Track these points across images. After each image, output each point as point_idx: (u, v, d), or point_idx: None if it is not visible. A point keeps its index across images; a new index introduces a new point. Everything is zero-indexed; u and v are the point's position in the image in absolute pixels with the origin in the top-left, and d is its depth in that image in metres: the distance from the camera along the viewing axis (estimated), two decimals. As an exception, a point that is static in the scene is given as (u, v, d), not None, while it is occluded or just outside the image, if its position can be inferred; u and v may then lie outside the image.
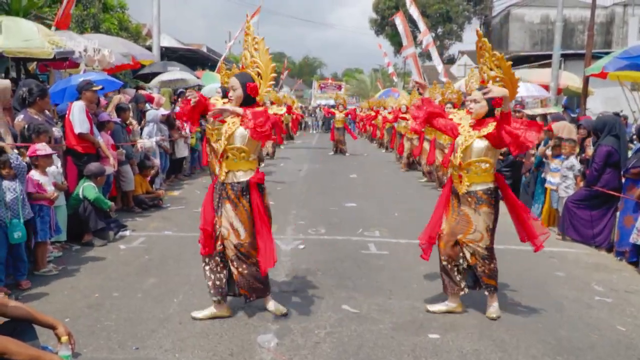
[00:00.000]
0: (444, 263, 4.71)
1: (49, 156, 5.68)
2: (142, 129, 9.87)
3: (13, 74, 10.08)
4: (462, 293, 4.70)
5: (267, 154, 16.04)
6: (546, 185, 8.35)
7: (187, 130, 11.60)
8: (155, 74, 15.39)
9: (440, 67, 22.47)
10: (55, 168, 6.05)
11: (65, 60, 9.79)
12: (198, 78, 16.17)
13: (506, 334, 4.33)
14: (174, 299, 4.84)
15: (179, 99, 12.81)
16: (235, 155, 4.32)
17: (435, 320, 4.55)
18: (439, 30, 42.51)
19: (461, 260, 4.67)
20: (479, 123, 4.58)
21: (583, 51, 18.11)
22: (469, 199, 4.55)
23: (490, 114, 4.56)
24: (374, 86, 49.76)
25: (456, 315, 4.66)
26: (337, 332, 4.27)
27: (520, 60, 22.89)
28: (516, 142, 4.30)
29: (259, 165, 11.33)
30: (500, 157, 10.70)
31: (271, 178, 12.73)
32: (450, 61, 41.76)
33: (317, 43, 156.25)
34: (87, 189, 6.68)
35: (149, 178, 9.26)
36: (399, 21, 23.36)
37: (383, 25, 43.92)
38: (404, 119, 14.55)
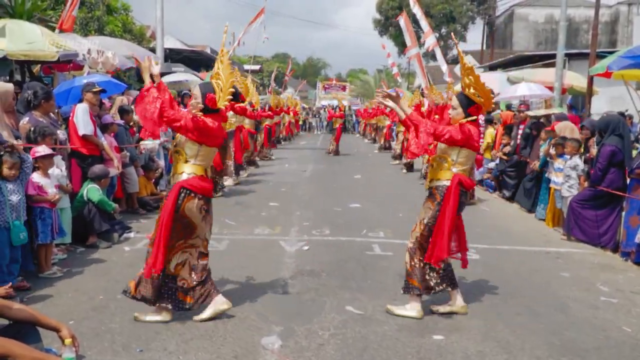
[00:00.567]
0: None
1: (49, 157, 5.68)
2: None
3: (17, 77, 10.11)
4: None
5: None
6: (550, 185, 8.33)
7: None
8: (160, 76, 15.39)
9: (444, 67, 22.36)
10: (60, 171, 6.05)
11: (69, 63, 9.82)
12: (202, 79, 16.20)
13: (511, 335, 4.31)
14: (178, 301, 4.83)
15: (183, 100, 12.85)
16: (176, 158, 4.42)
17: (440, 322, 4.54)
18: (443, 30, 42.42)
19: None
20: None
21: (587, 50, 18.08)
22: (428, 193, 4.70)
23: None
24: (378, 86, 49.73)
25: (460, 316, 4.65)
26: (341, 334, 4.26)
27: (524, 60, 22.82)
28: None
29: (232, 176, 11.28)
30: (505, 158, 10.70)
31: (274, 179, 12.73)
32: (455, 61, 41.65)
33: (321, 44, 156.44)
34: (91, 191, 6.69)
35: (153, 180, 9.28)
36: (402, 21, 23.31)
37: (387, 25, 43.86)
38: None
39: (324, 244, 6.93)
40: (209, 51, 27.33)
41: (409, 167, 15.02)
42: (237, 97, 4.63)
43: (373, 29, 45.82)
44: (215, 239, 6.27)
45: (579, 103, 16.82)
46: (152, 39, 20.41)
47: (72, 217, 6.44)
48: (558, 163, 8.08)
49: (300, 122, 36.46)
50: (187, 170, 4.34)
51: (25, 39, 8.60)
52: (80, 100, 7.25)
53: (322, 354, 3.93)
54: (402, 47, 37.49)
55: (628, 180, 6.88)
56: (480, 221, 8.28)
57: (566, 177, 7.85)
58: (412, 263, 4.68)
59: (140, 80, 16.33)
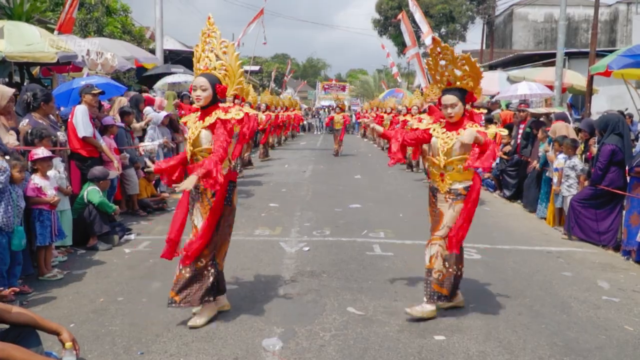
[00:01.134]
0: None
1: (47, 160, 5.67)
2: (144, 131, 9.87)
3: (16, 79, 10.11)
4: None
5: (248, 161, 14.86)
6: (552, 184, 8.32)
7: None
8: (159, 77, 15.40)
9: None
10: (58, 173, 6.04)
11: (68, 64, 9.81)
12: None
13: (513, 335, 4.30)
14: (178, 303, 4.82)
15: (182, 102, 12.84)
16: (204, 156, 4.38)
17: (441, 322, 4.52)
18: (442, 30, 42.44)
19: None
20: (455, 124, 4.61)
21: (587, 49, 18.06)
22: (448, 197, 4.59)
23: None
24: (378, 87, 49.73)
25: (462, 316, 4.63)
26: (342, 335, 4.25)
27: (524, 59, 22.82)
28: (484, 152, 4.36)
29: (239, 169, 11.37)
30: (505, 157, 10.68)
31: (274, 179, 12.72)
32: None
33: (321, 44, 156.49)
34: (92, 193, 6.68)
35: (153, 181, 9.27)
36: (402, 21, 23.31)
37: (386, 25, 43.88)
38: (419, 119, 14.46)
39: (325, 245, 6.91)
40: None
41: (410, 167, 15.01)
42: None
43: (372, 29, 45.86)
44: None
45: (579, 102, 16.82)
46: (151, 40, 20.41)
47: (72, 219, 6.43)
48: (555, 163, 8.07)
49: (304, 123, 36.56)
50: (225, 165, 4.36)
51: (24, 40, 8.60)
52: (80, 102, 7.24)
53: (323, 355, 3.92)
54: (401, 47, 37.50)
55: (628, 179, 6.87)
56: (480, 221, 8.25)
57: (565, 177, 7.85)
58: (450, 271, 4.56)
59: (140, 82, 16.34)
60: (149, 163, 4.31)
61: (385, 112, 21.96)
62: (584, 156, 7.99)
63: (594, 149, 7.53)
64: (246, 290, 5.19)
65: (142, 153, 9.14)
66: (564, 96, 16.49)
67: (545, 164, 8.70)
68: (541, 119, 10.08)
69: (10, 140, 5.67)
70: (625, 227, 6.74)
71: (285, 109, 23.70)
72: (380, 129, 5.12)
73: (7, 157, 4.86)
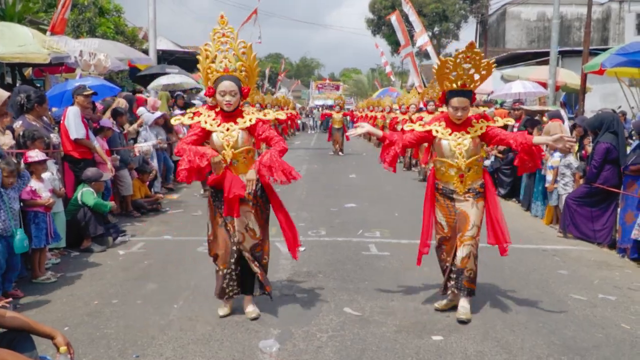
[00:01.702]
0: (447, 264, 4.71)
1: (42, 162, 5.63)
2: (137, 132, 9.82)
3: (8, 80, 10.04)
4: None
5: None
6: (547, 183, 8.33)
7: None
8: (153, 77, 15.32)
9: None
10: (51, 175, 5.99)
11: (61, 65, 9.75)
12: (196, 81, 16.12)
13: (510, 334, 4.29)
14: (174, 305, 4.79)
15: (176, 102, 12.80)
16: (245, 157, 4.43)
17: (439, 322, 4.51)
18: (436, 29, 42.49)
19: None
20: (461, 125, 4.61)
21: (580, 48, 18.12)
22: (468, 196, 4.58)
23: None
24: (371, 86, 49.75)
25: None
26: (339, 336, 4.22)
27: (517, 58, 22.87)
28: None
29: None
30: (500, 156, 10.69)
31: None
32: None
33: (315, 44, 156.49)
34: (86, 195, 6.63)
35: (147, 182, 9.21)
36: (395, 21, 23.33)
37: (380, 24, 43.85)
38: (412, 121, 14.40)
39: (320, 245, 6.89)
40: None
41: (409, 166, 14.96)
42: None
43: (366, 28, 45.83)
44: (210, 241, 6.21)
45: (572, 100, 16.88)
46: (144, 41, 20.31)
47: (66, 220, 6.38)
48: (550, 161, 8.07)
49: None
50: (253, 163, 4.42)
51: (17, 41, 8.54)
52: (73, 103, 7.18)
53: (320, 356, 3.90)
54: (395, 46, 37.54)
55: (623, 177, 6.87)
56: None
57: (561, 175, 7.86)
58: (475, 268, 4.62)
59: (135, 80, 16.23)
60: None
61: (382, 112, 21.96)
62: (579, 154, 7.99)
63: (589, 149, 7.54)
64: (242, 291, 5.15)
65: (137, 154, 9.09)
66: (557, 94, 16.53)
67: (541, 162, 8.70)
68: (536, 118, 10.09)
69: (6, 140, 5.63)
70: (620, 225, 6.75)
71: (279, 109, 23.67)
72: (379, 132, 4.99)
73: None
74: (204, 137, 4.44)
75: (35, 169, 5.55)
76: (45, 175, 5.74)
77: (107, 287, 5.28)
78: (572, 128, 8.86)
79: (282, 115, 4.47)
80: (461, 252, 4.54)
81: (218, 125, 4.40)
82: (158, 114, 10.57)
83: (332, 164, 16.59)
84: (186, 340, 4.11)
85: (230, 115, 4.41)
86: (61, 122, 7.03)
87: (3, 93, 5.84)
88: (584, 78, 14.12)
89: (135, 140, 9.59)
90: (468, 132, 4.57)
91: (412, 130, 4.83)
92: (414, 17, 21.73)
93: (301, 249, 6.64)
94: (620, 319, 4.67)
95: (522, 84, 14.43)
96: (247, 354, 3.92)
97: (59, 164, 6.66)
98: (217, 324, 4.38)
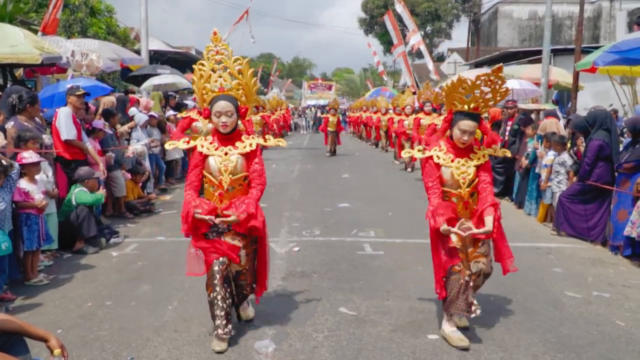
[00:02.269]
0: (466, 279, 4.11)
1: (36, 164, 5.58)
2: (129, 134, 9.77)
3: (-1, 80, 9.96)
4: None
5: None
6: (540, 181, 8.35)
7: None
8: (145, 77, 15.25)
9: (431, 65, 22.54)
10: (46, 177, 5.94)
11: (52, 66, 9.68)
12: (188, 81, 16.06)
13: (506, 332, 4.29)
14: (168, 306, 4.76)
15: (168, 102, 12.73)
16: (242, 184, 4.19)
17: (434, 321, 4.50)
18: (428, 28, 42.63)
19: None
20: (464, 150, 4.28)
21: (572, 46, 18.19)
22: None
23: None
24: (364, 85, 49.79)
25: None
26: (335, 336, 4.21)
27: (509, 57, 22.94)
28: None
29: None
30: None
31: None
32: (440, 59, 41.84)
33: (307, 44, 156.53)
34: (81, 195, 6.57)
35: (140, 183, 9.16)
36: (388, 20, 23.36)
37: (372, 24, 43.99)
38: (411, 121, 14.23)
39: (315, 245, 6.87)
40: (194, 52, 27.12)
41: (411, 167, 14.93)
42: None
43: (358, 28, 45.92)
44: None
45: (564, 98, 16.93)
46: (136, 41, 20.22)
47: (58, 222, 6.33)
48: (545, 159, 8.09)
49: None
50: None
51: (8, 42, 8.47)
52: (65, 104, 7.13)
53: (316, 356, 3.88)
54: (387, 45, 37.64)
55: (616, 175, 6.90)
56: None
57: (555, 173, 7.88)
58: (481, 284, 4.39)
59: (127, 80, 16.14)
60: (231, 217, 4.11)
61: (376, 113, 21.96)
62: (571, 151, 8.01)
63: (582, 148, 7.56)
64: (237, 292, 5.13)
65: (131, 155, 9.04)
66: (550, 92, 16.58)
67: (534, 160, 8.72)
68: (531, 116, 10.12)
69: None
70: (613, 222, 6.77)
71: (273, 112, 23.68)
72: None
73: None
74: (204, 161, 4.16)
75: (29, 170, 5.50)
76: (38, 177, 5.69)
77: (100, 288, 5.24)
78: (567, 125, 8.89)
79: (270, 142, 4.29)
80: (474, 268, 4.25)
81: (216, 149, 4.14)
82: (151, 114, 10.52)
83: (326, 164, 16.58)
84: (181, 342, 4.08)
85: (229, 138, 4.16)
86: (52, 123, 6.98)
87: None
88: (576, 76, 14.17)
89: (128, 142, 9.54)
90: (471, 159, 4.25)
91: (424, 165, 4.43)
92: (406, 16, 21.76)
93: (295, 249, 6.65)
94: (615, 316, 4.69)
95: (518, 81, 14.45)
96: (242, 354, 3.90)
97: (52, 165, 6.61)
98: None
